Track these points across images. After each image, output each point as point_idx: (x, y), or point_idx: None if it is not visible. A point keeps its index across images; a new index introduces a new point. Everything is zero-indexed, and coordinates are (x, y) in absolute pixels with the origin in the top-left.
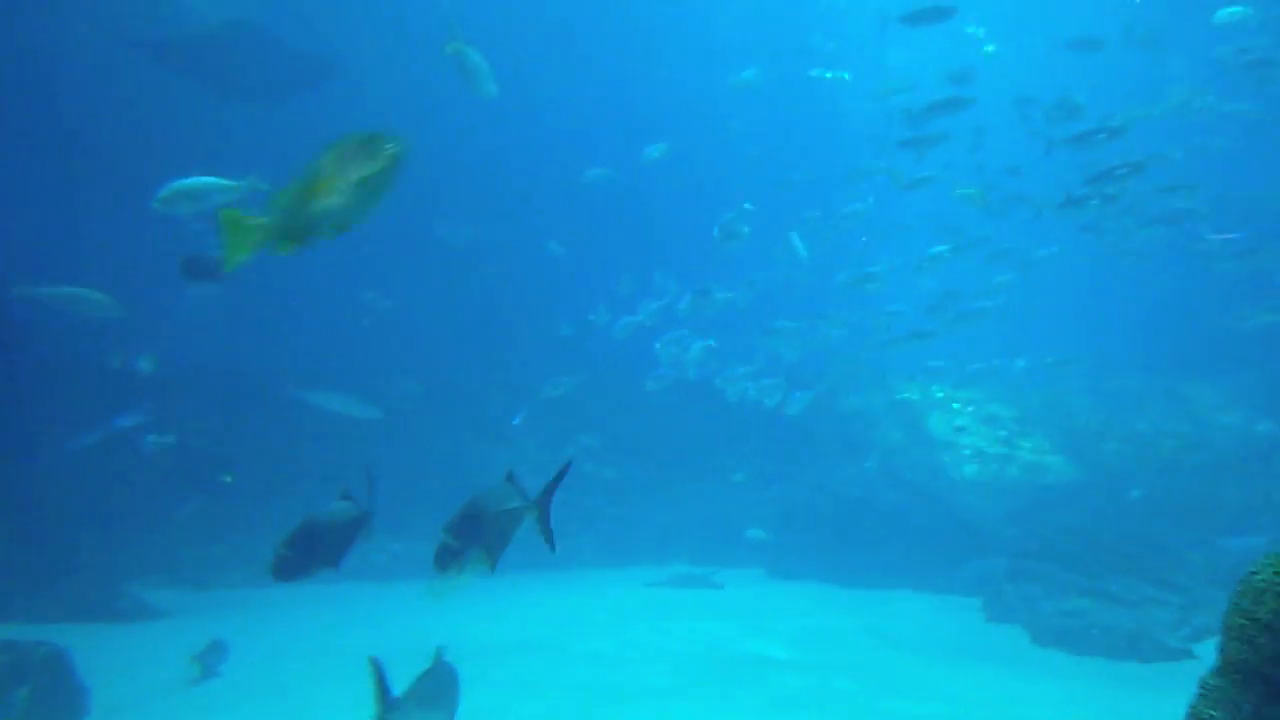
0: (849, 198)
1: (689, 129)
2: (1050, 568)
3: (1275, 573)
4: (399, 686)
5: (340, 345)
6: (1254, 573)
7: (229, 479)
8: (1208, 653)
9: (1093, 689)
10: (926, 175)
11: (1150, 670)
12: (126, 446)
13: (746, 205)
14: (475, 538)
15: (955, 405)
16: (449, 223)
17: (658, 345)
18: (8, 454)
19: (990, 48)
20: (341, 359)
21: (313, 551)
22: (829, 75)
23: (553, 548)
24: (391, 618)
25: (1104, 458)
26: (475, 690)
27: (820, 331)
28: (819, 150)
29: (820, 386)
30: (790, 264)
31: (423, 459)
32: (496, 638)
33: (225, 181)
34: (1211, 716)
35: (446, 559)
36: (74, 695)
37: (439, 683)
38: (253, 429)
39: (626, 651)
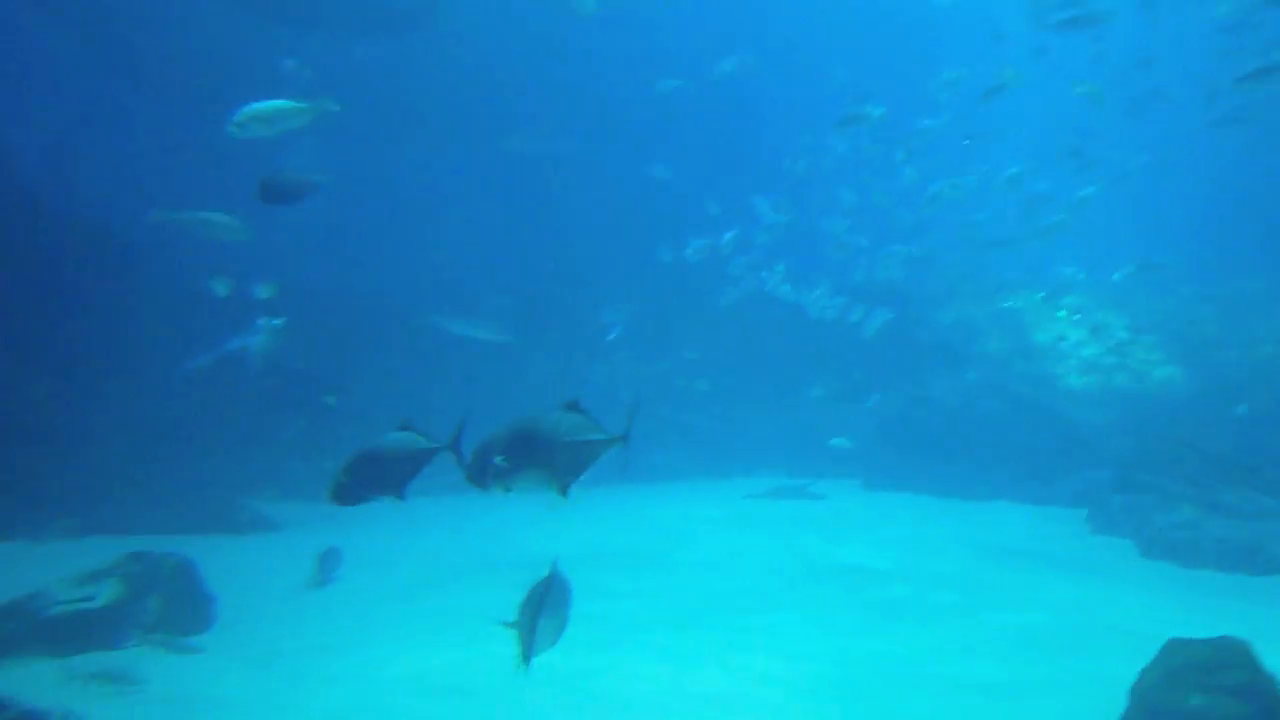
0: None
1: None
2: (1161, 479)
3: None
4: (517, 594)
5: (433, 263)
6: None
7: (331, 401)
8: None
9: (1204, 600)
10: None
11: (1264, 583)
12: (237, 368)
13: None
14: (534, 461)
15: (1061, 314)
16: (531, 137)
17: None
18: (130, 376)
19: None
20: (434, 278)
21: (372, 480)
22: None
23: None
24: (503, 529)
25: (1220, 367)
26: (588, 599)
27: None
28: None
29: (903, 305)
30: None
31: (520, 376)
32: (606, 547)
33: (298, 104)
34: None
35: (490, 477)
36: (201, 603)
37: (554, 591)
38: (361, 351)
39: (728, 562)
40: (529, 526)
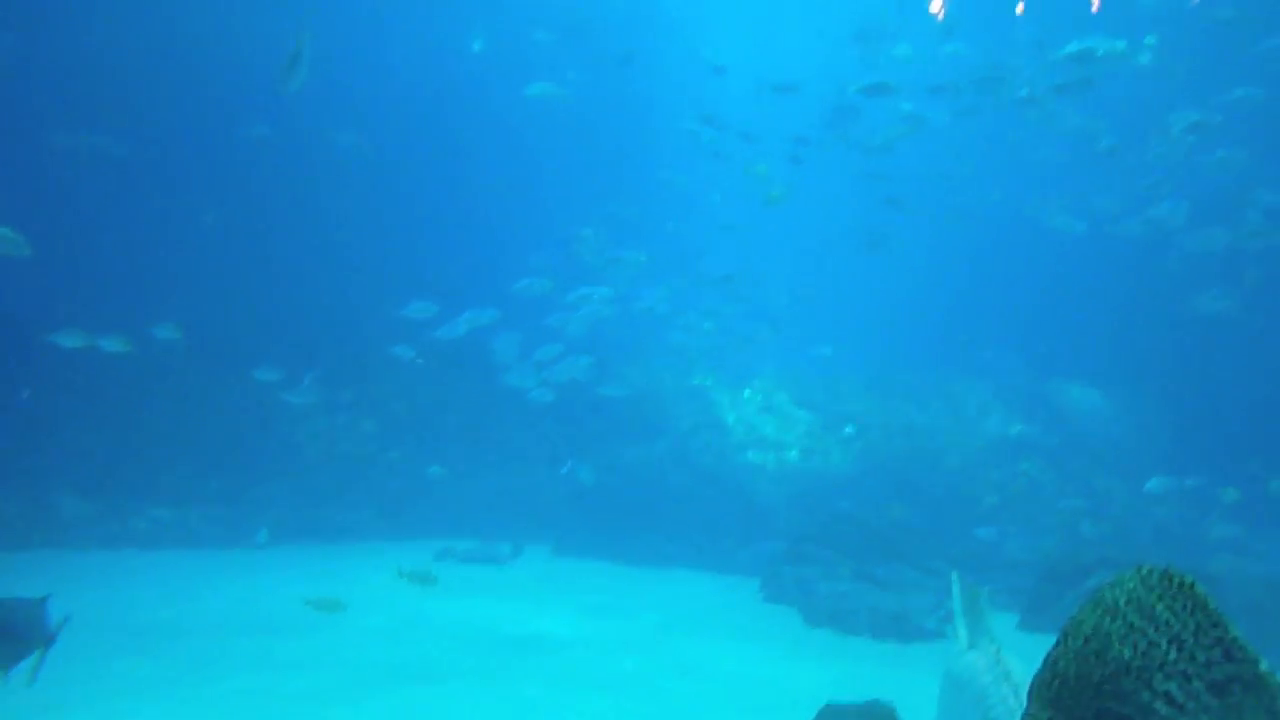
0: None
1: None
2: (825, 551)
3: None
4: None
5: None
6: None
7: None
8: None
9: (858, 665)
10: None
11: (910, 650)
12: None
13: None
14: None
15: (745, 392)
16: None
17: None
18: None
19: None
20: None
21: None
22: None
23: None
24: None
25: (880, 449)
26: (253, 670)
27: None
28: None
29: (582, 364)
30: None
31: (186, 415)
32: (276, 613)
33: None
34: None
35: None
36: None
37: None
38: None
39: (407, 630)
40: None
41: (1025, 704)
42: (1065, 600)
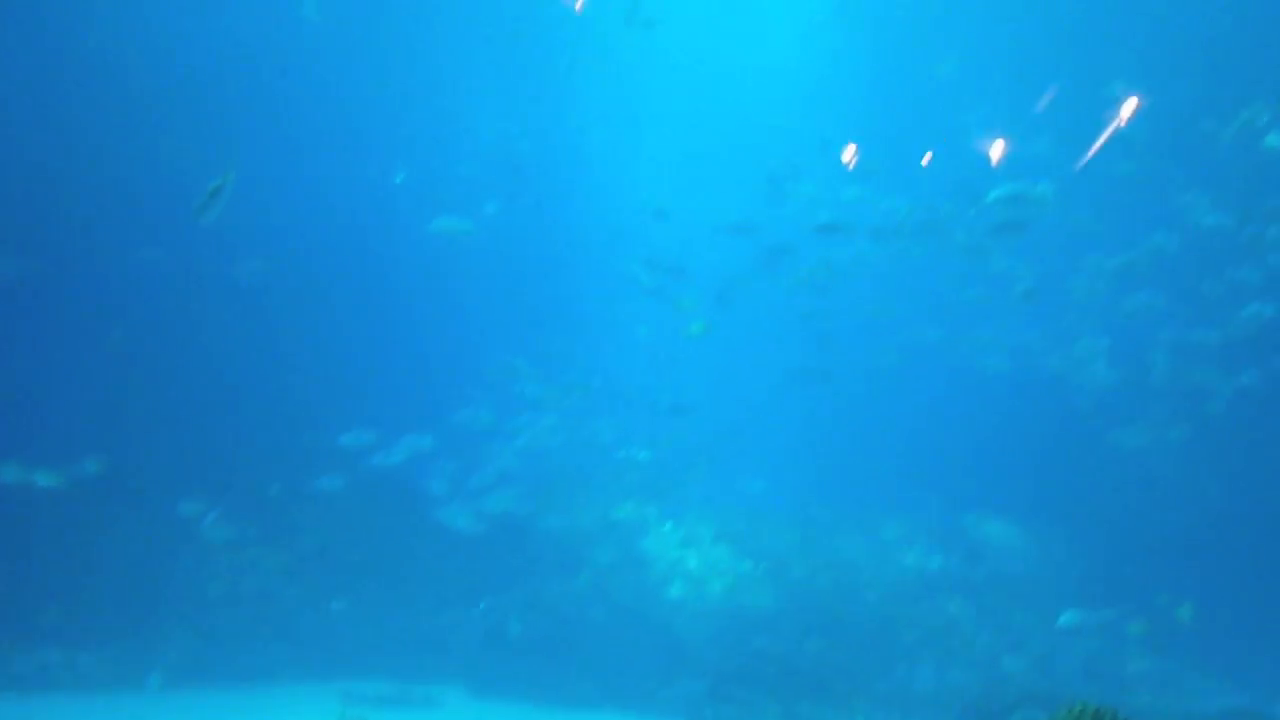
0: None
1: None
2: (748, 691)
3: None
4: None
5: None
6: None
7: None
8: None
9: None
10: None
11: None
12: None
13: None
14: None
15: (667, 525)
16: None
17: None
18: None
19: None
20: None
21: None
22: None
23: None
24: None
25: (802, 584)
26: None
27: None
28: None
29: (511, 497)
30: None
31: (76, 550)
32: None
33: None
34: None
35: None
36: None
37: None
38: None
39: None
40: None
41: None
42: None
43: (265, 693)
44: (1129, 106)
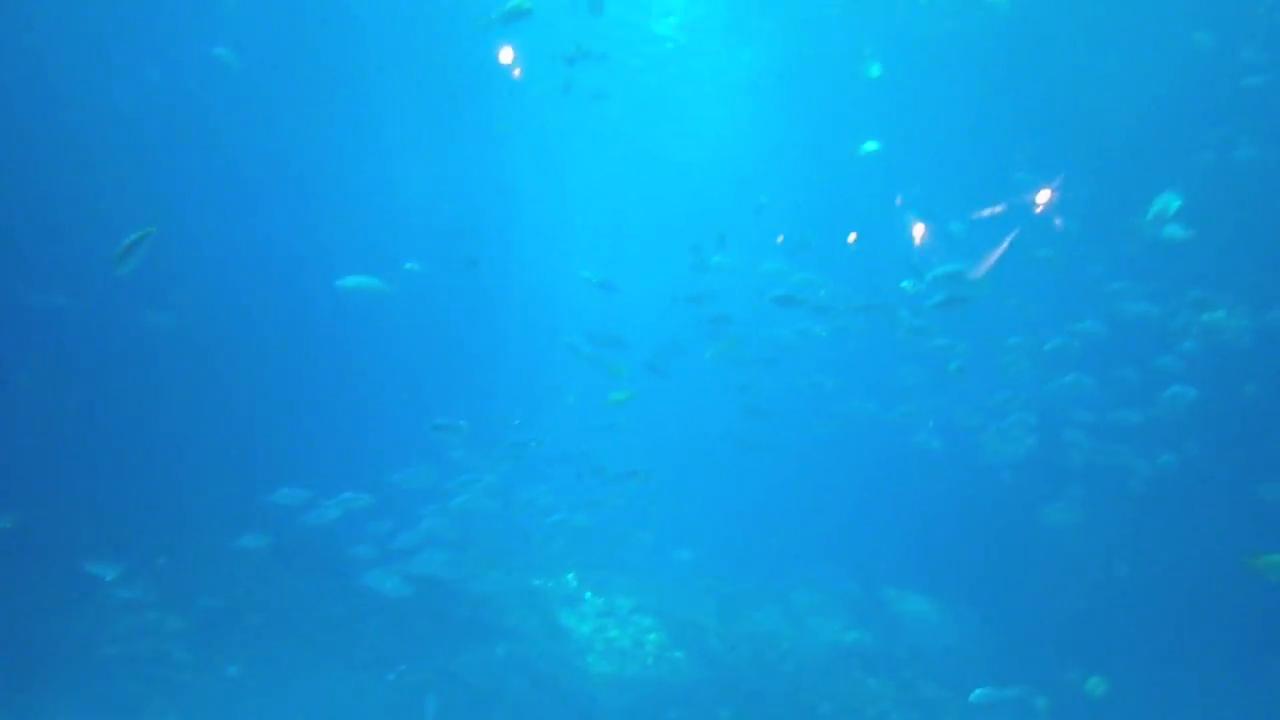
0: None
1: None
2: None
3: None
4: None
5: None
6: None
7: None
8: None
9: None
10: None
11: None
12: None
13: None
14: None
15: (587, 595)
16: None
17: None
18: None
19: None
20: None
21: None
22: None
23: None
24: None
25: (721, 657)
26: None
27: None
28: None
29: (439, 560)
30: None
31: None
32: None
33: None
34: None
35: None
36: None
37: None
38: None
39: None
40: None
41: None
42: None
43: None
44: (1044, 195)
